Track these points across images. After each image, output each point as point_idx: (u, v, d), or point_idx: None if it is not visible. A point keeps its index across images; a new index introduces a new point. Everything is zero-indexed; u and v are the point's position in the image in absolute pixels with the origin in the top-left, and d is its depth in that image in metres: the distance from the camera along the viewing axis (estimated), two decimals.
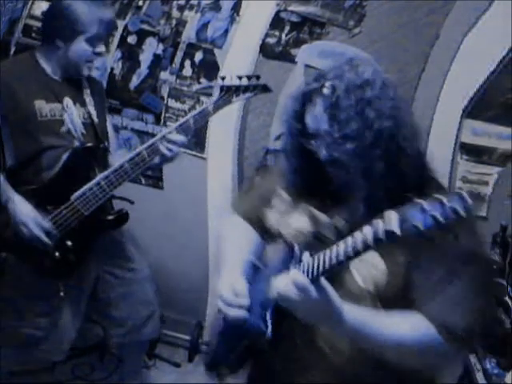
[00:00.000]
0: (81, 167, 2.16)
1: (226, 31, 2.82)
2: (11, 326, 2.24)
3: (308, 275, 1.16)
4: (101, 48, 2.20)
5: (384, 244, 1.05)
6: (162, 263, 2.95)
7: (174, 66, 2.92)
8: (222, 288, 1.40)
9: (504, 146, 2.54)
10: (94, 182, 2.12)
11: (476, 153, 2.60)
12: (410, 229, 0.99)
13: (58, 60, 2.18)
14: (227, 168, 2.91)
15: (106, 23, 2.18)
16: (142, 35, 2.95)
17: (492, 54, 2.47)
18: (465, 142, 2.61)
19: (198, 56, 2.88)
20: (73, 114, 2.22)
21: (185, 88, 2.91)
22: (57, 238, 2.13)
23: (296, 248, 1.32)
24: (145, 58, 2.96)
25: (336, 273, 1.20)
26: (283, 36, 2.78)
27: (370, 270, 1.23)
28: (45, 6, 2.76)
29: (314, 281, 1.15)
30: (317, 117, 1.29)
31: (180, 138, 2.12)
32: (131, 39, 2.96)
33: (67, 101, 2.22)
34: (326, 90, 1.26)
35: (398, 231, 1.01)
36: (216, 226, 2.80)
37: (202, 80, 2.88)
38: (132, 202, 2.38)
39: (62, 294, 2.20)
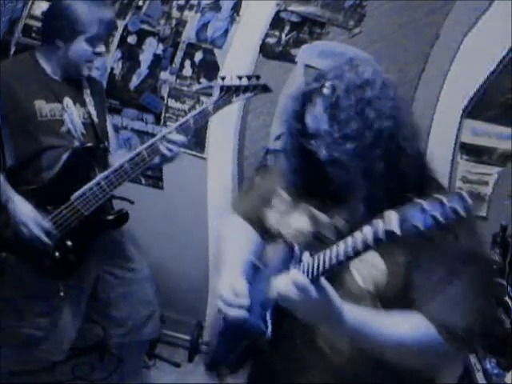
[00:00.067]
0: (81, 167, 2.16)
1: (226, 31, 2.82)
2: (11, 326, 2.24)
3: (308, 275, 1.16)
4: (101, 48, 2.20)
5: (384, 244, 1.05)
6: (162, 263, 2.95)
7: (174, 66, 2.92)
8: (222, 288, 1.40)
9: (504, 145, 2.54)
10: (94, 182, 2.12)
11: (476, 153, 2.60)
12: (410, 229, 0.99)
13: (58, 60, 2.18)
14: (227, 168, 2.91)
15: (106, 23, 2.18)
16: (142, 35, 2.95)
17: (492, 54, 2.47)
18: (465, 141, 2.61)
19: (198, 56, 2.88)
20: (73, 114, 2.22)
21: (185, 88, 2.91)
22: (57, 238, 2.13)
23: (296, 248, 1.32)
24: (145, 58, 2.96)
25: (336, 273, 1.20)
26: (283, 36, 2.78)
27: (370, 269, 1.23)
28: (45, 5, 2.76)
29: (314, 281, 1.15)
30: (317, 117, 1.29)
31: (180, 138, 2.12)
32: (131, 39, 2.96)
33: (67, 101, 2.22)
34: (326, 90, 1.26)
35: (398, 231, 1.01)
36: (216, 225, 2.80)
37: (202, 80, 2.88)
38: (132, 202, 2.38)
39: (61, 293, 2.20)
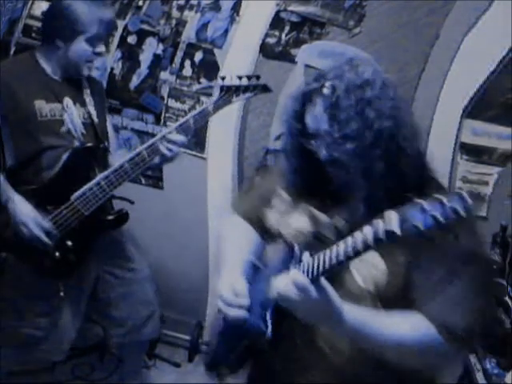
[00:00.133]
0: (81, 167, 2.16)
1: (226, 31, 2.82)
2: (11, 326, 2.24)
3: (308, 275, 1.16)
4: (101, 48, 2.20)
5: (384, 244, 1.05)
6: (162, 263, 2.95)
7: (174, 66, 2.92)
8: (222, 288, 1.40)
9: (504, 145, 2.54)
10: (94, 182, 2.12)
11: (476, 153, 2.60)
12: (410, 229, 0.99)
13: (58, 60, 2.18)
14: (227, 168, 2.91)
15: (106, 23, 2.18)
16: (142, 35, 2.95)
17: (492, 54, 2.47)
18: (465, 141, 2.61)
19: (198, 56, 2.88)
20: (73, 114, 2.22)
21: (185, 88, 2.91)
22: (57, 238, 2.13)
23: (296, 248, 1.32)
24: (145, 58, 2.96)
25: (336, 273, 1.20)
26: (283, 36, 2.78)
27: (370, 269, 1.23)
28: (45, 5, 2.76)
29: (314, 281, 1.15)
30: (317, 117, 1.29)
31: (180, 137, 2.12)
32: (131, 39, 2.96)
33: (67, 101, 2.22)
34: (326, 90, 1.26)
35: (398, 231, 1.01)
36: (216, 225, 2.80)
37: (202, 80, 2.88)
38: (132, 202, 2.38)
39: (61, 293, 2.20)
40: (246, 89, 2.17)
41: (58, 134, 2.19)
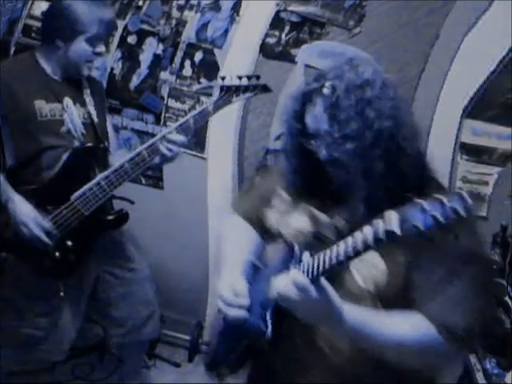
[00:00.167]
0: (81, 167, 2.16)
1: (226, 31, 2.82)
2: (11, 326, 2.24)
3: (308, 275, 1.16)
4: (101, 48, 2.20)
5: (384, 244, 1.05)
6: (162, 263, 2.95)
7: (173, 66, 2.92)
8: (222, 288, 1.40)
9: (504, 145, 2.54)
10: (94, 182, 2.12)
11: (476, 153, 2.60)
12: (411, 229, 0.99)
13: (58, 60, 2.18)
14: (227, 168, 2.91)
15: (106, 23, 2.18)
16: (142, 35, 2.95)
17: (492, 54, 2.47)
18: (465, 141, 2.61)
19: (198, 56, 2.88)
20: (73, 114, 2.22)
21: (185, 88, 2.91)
22: (57, 238, 2.13)
23: (296, 248, 1.32)
24: (145, 58, 2.96)
25: (336, 273, 1.20)
26: (283, 36, 2.78)
27: (370, 269, 1.23)
28: (45, 5, 2.76)
29: (314, 281, 1.15)
30: (317, 117, 1.29)
31: (180, 137, 2.12)
32: (131, 39, 2.96)
33: (67, 101, 2.22)
34: (326, 90, 1.27)
35: (398, 231, 1.01)
36: (216, 225, 2.80)
37: (202, 80, 2.88)
38: (132, 202, 2.38)
39: (61, 293, 2.20)
40: (245, 89, 2.17)
41: (58, 134, 2.19)
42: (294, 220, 1.43)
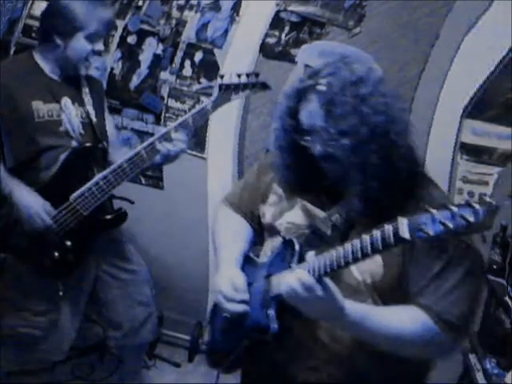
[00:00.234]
0: (79, 167, 2.16)
1: (226, 31, 2.82)
2: (11, 326, 2.24)
3: (314, 274, 1.18)
4: (100, 46, 2.20)
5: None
6: (162, 263, 2.95)
7: (173, 66, 2.92)
8: (221, 283, 1.42)
9: (504, 145, 2.54)
10: (92, 182, 2.11)
11: (476, 153, 2.60)
12: (420, 235, 1.02)
13: (57, 59, 2.18)
14: (227, 168, 2.91)
15: (106, 22, 2.18)
16: (142, 35, 2.95)
17: (492, 54, 2.47)
18: (465, 141, 2.61)
19: (198, 56, 2.88)
20: (71, 114, 2.21)
21: (185, 88, 2.91)
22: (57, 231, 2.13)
23: (297, 246, 1.32)
24: (145, 58, 2.96)
25: None
26: (283, 36, 2.78)
27: (366, 262, 1.24)
28: (44, 5, 2.74)
29: (319, 280, 1.17)
30: (311, 113, 1.31)
31: (179, 136, 2.11)
32: (131, 39, 2.96)
33: (65, 100, 2.21)
34: (322, 87, 1.29)
35: (407, 237, 1.03)
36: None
37: (202, 80, 2.88)
38: (132, 202, 2.38)
39: (61, 293, 2.20)
40: (244, 86, 2.17)
41: (56, 134, 2.19)
42: (290, 215, 1.45)
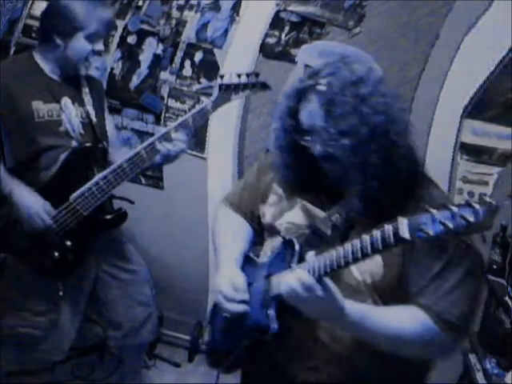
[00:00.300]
0: (79, 167, 2.16)
1: (226, 31, 2.82)
2: (11, 326, 2.24)
3: (314, 274, 1.18)
4: (100, 46, 2.20)
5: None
6: (162, 263, 2.95)
7: (173, 66, 2.92)
8: (221, 283, 1.42)
9: (504, 145, 2.54)
10: (92, 182, 2.11)
11: (476, 153, 2.60)
12: (420, 235, 1.02)
13: (57, 59, 2.18)
14: (227, 168, 2.91)
15: (106, 22, 2.18)
16: (142, 35, 2.95)
17: (492, 54, 2.47)
18: (465, 141, 2.61)
19: (198, 56, 2.88)
20: (71, 114, 2.21)
21: (185, 88, 2.91)
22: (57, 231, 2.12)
23: (297, 246, 1.32)
24: (145, 58, 2.96)
25: None
26: (283, 36, 2.78)
27: (366, 262, 1.24)
28: (44, 5, 2.75)
29: (319, 280, 1.17)
30: (311, 113, 1.31)
31: (179, 136, 2.11)
32: (131, 39, 2.96)
33: (65, 100, 2.21)
34: (322, 87, 1.29)
35: (407, 237, 1.03)
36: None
37: (202, 80, 2.88)
38: (132, 202, 2.38)
39: (61, 293, 2.20)
40: (244, 86, 2.17)
41: (56, 134, 2.19)
42: (290, 215, 1.45)
